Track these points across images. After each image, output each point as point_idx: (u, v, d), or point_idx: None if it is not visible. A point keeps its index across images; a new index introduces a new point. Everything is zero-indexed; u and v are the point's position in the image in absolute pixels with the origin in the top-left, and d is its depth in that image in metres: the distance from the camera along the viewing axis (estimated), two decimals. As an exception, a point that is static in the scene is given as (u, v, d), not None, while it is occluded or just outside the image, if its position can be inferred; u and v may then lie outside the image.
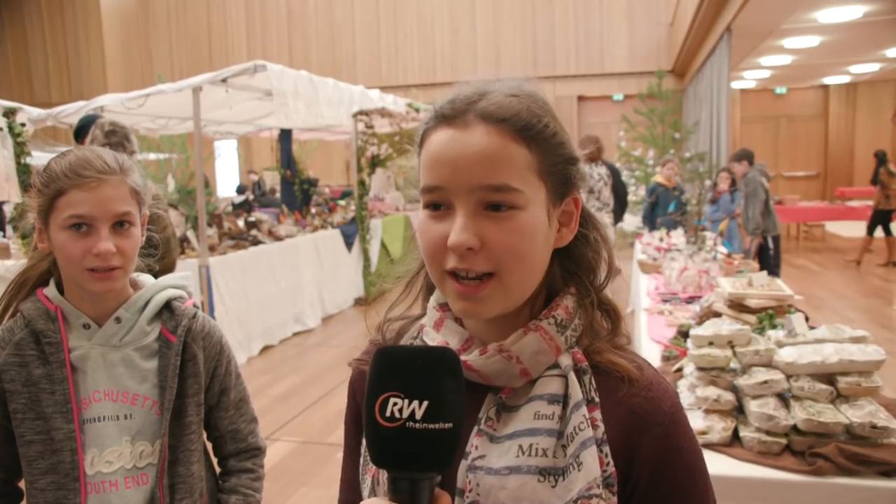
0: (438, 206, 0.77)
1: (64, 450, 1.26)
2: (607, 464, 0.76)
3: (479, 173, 0.75)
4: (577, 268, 0.86)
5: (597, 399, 0.79)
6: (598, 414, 0.78)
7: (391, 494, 0.65)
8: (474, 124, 0.76)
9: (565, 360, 0.80)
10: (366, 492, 0.84)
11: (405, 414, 0.63)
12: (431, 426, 0.63)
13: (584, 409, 0.77)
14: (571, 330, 0.82)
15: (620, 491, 0.77)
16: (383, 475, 0.81)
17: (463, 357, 0.79)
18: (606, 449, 0.77)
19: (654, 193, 7.52)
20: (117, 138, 3.49)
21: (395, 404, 0.64)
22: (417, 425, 0.63)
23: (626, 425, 0.79)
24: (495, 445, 0.78)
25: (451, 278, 0.77)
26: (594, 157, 6.57)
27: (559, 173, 0.80)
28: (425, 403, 0.64)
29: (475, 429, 0.80)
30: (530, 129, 0.77)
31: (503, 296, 0.77)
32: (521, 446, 0.76)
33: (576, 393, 0.78)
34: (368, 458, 0.83)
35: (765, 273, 2.87)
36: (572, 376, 0.79)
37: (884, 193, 10.01)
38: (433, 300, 0.89)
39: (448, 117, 0.78)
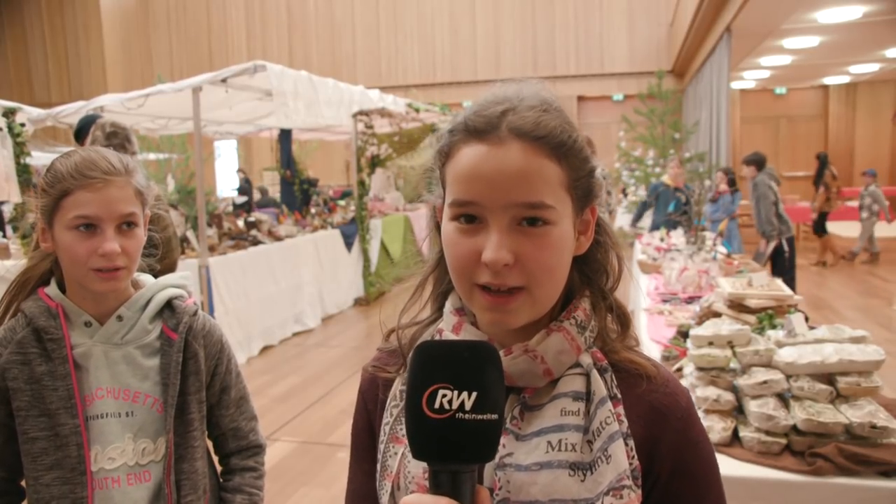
0: (471, 219, 0.77)
1: (70, 444, 1.27)
2: (632, 457, 0.79)
3: (516, 191, 0.75)
4: (592, 272, 0.88)
5: (619, 395, 0.82)
6: (621, 409, 0.81)
7: (433, 488, 0.66)
8: (509, 141, 0.76)
9: (586, 359, 0.83)
10: (384, 497, 0.84)
11: (455, 405, 0.64)
12: (480, 417, 0.64)
13: (609, 405, 0.80)
14: (589, 331, 0.84)
15: (643, 484, 0.80)
16: (406, 480, 0.82)
17: None
18: (631, 443, 0.79)
19: (655, 192, 7.51)
20: (118, 140, 3.49)
21: (444, 396, 0.64)
22: (467, 416, 0.64)
23: (647, 421, 0.82)
24: (522, 443, 0.80)
25: (480, 291, 0.77)
26: None
27: (583, 186, 0.81)
28: (475, 394, 0.64)
29: None
30: (563, 146, 0.78)
31: (531, 307, 0.78)
32: (549, 442, 0.78)
33: (599, 389, 0.80)
34: (388, 463, 0.84)
35: (764, 273, 2.87)
36: (595, 374, 0.82)
37: (826, 195, 10.08)
38: (449, 304, 0.89)
39: (480, 132, 0.77)
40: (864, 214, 10.19)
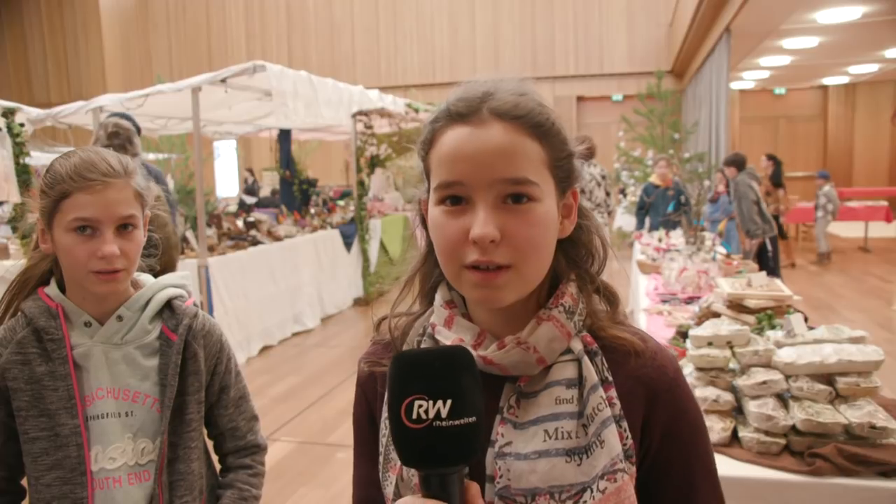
0: (457, 200, 0.79)
1: (70, 445, 1.27)
2: (626, 438, 0.81)
3: (499, 167, 0.78)
4: (578, 256, 0.90)
5: (610, 378, 0.84)
6: (613, 392, 0.83)
7: (423, 491, 0.68)
8: (490, 121, 0.79)
9: (577, 345, 0.85)
10: (389, 489, 0.86)
11: (431, 414, 0.66)
12: (457, 422, 0.66)
13: (600, 391, 0.82)
14: (578, 315, 0.86)
15: (636, 457, 0.83)
16: (409, 472, 0.84)
17: (480, 352, 0.83)
18: (625, 424, 0.82)
19: (651, 194, 7.50)
20: (119, 140, 3.50)
21: (420, 406, 0.66)
22: (444, 423, 0.66)
23: (638, 396, 0.84)
24: (520, 432, 0.82)
25: (468, 270, 0.79)
26: (585, 157, 6.52)
27: (564, 167, 0.84)
28: (449, 402, 0.66)
29: (498, 417, 0.84)
30: (541, 126, 0.81)
31: (519, 284, 0.80)
32: (546, 431, 0.81)
33: (591, 375, 0.83)
34: (392, 456, 0.86)
35: (764, 273, 2.87)
36: (585, 360, 0.84)
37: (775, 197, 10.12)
38: (439, 298, 0.91)
39: (462, 115, 0.80)
40: (819, 214, 10.29)
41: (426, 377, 0.67)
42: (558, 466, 0.79)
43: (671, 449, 0.85)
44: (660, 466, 0.85)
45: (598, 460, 0.79)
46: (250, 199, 11.33)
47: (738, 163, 7.34)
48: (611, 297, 0.91)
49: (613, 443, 0.80)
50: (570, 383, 0.83)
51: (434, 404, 0.66)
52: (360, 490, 0.98)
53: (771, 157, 10.39)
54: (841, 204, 10.94)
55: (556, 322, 0.83)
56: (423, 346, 0.91)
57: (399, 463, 0.85)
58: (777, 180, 10.08)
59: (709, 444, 0.90)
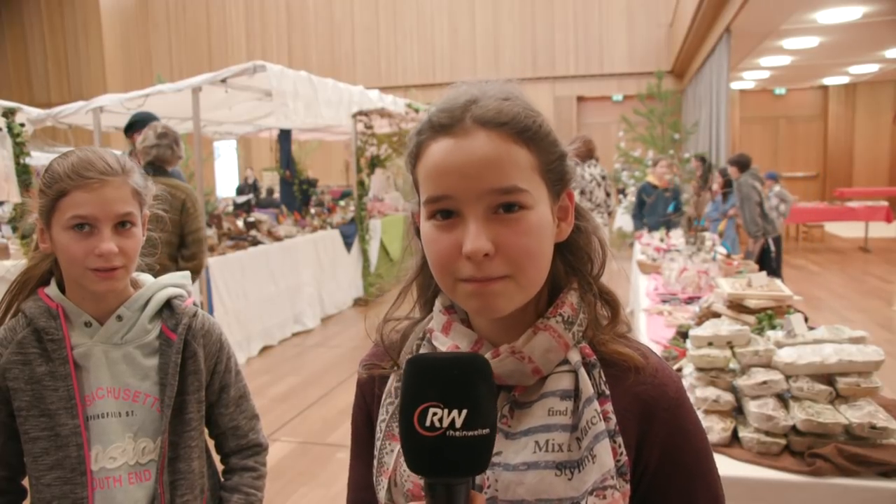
0: (447, 214, 0.77)
1: (70, 445, 1.28)
2: (620, 454, 0.78)
3: (487, 178, 0.75)
4: (576, 259, 0.87)
5: (607, 392, 0.81)
6: (609, 406, 0.80)
7: (428, 499, 0.66)
8: (474, 131, 0.77)
9: (574, 356, 0.82)
10: (381, 493, 0.85)
11: (445, 423, 0.64)
12: (471, 433, 0.64)
13: (595, 404, 0.79)
14: (578, 325, 0.83)
15: (632, 476, 0.80)
16: (402, 477, 0.82)
17: None
18: (619, 440, 0.79)
19: (651, 195, 7.48)
20: (167, 140, 3.66)
21: (434, 414, 0.64)
22: (458, 433, 0.64)
23: (635, 413, 0.81)
24: (511, 442, 0.80)
25: (463, 282, 0.77)
26: (582, 156, 6.48)
27: (556, 170, 0.82)
28: (465, 412, 0.64)
29: None
30: (528, 131, 0.78)
31: (516, 293, 0.78)
32: (537, 442, 0.78)
33: (587, 388, 0.80)
34: (385, 459, 0.84)
35: (764, 273, 2.87)
36: (582, 372, 0.81)
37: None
38: (438, 303, 0.89)
39: (445, 126, 0.78)
40: (773, 215, 10.19)
41: (442, 384, 0.65)
42: (547, 479, 0.77)
43: (671, 471, 0.82)
44: (659, 489, 0.82)
45: (588, 475, 0.76)
46: (241, 199, 11.30)
47: (741, 163, 7.31)
48: (611, 302, 0.88)
49: (605, 458, 0.77)
50: (564, 395, 0.80)
51: (449, 413, 0.64)
52: (354, 493, 0.97)
53: (700, 158, 10.29)
54: (841, 204, 10.90)
55: (552, 332, 0.81)
56: (421, 350, 0.89)
57: (391, 467, 0.84)
58: (706, 182, 9.95)
59: (715, 470, 0.86)
